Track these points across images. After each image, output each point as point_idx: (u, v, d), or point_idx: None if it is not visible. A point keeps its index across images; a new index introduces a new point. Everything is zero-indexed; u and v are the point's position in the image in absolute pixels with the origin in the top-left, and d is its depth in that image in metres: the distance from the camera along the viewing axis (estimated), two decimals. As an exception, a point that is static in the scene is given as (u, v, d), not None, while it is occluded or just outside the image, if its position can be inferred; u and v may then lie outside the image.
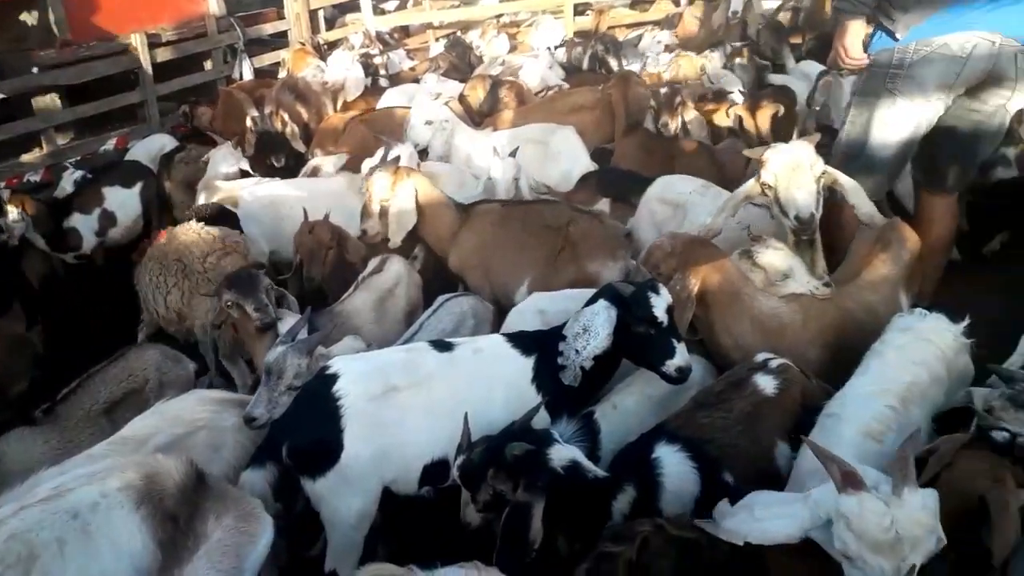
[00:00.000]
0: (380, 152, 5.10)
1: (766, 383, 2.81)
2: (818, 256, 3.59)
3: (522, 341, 3.10)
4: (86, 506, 2.03)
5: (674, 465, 2.59)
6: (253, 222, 5.03)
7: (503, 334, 3.22)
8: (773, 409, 2.76)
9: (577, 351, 2.88)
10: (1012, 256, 5.18)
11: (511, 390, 2.95)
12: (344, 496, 2.78)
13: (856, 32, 3.77)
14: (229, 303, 3.58)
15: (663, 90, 6.06)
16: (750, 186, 3.58)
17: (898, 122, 3.77)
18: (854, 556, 1.91)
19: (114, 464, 2.20)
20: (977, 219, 5.30)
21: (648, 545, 2.20)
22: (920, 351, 2.88)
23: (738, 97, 6.64)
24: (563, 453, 2.49)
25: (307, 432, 2.81)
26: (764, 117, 5.77)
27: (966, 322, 3.10)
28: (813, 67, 6.94)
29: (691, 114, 6.10)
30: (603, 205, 4.80)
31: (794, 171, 3.43)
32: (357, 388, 2.82)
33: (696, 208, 4.21)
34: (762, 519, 2.06)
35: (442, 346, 3.08)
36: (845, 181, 3.51)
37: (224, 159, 5.76)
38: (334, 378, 2.85)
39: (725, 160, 5.31)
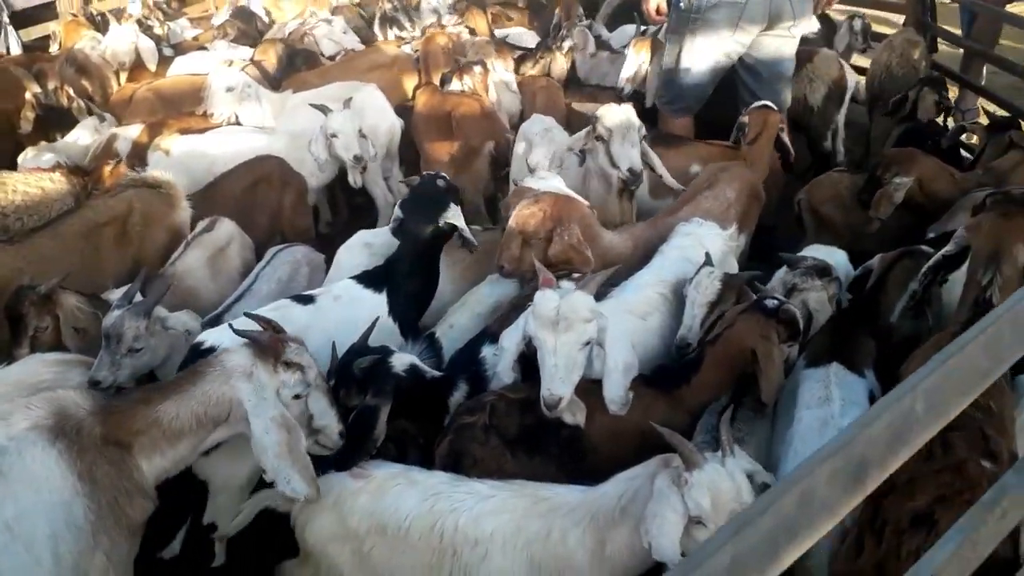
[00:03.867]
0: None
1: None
2: (632, 206, 4.17)
3: (371, 280, 3.33)
4: None
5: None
6: (184, 173, 4.65)
7: (353, 278, 3.40)
8: None
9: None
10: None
11: None
12: (235, 463, 2.83)
13: None
14: None
15: (476, 67, 5.81)
16: (577, 139, 4.08)
17: (700, 55, 4.78)
18: (534, 335, 2.50)
19: (14, 405, 2.17)
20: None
21: (496, 410, 2.59)
22: (696, 252, 3.40)
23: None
24: (403, 359, 2.78)
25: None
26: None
27: (732, 229, 3.71)
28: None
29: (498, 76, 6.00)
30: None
31: (628, 129, 3.92)
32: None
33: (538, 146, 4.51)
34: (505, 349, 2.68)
35: (304, 299, 3.24)
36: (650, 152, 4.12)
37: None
38: (211, 351, 2.83)
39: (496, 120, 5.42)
